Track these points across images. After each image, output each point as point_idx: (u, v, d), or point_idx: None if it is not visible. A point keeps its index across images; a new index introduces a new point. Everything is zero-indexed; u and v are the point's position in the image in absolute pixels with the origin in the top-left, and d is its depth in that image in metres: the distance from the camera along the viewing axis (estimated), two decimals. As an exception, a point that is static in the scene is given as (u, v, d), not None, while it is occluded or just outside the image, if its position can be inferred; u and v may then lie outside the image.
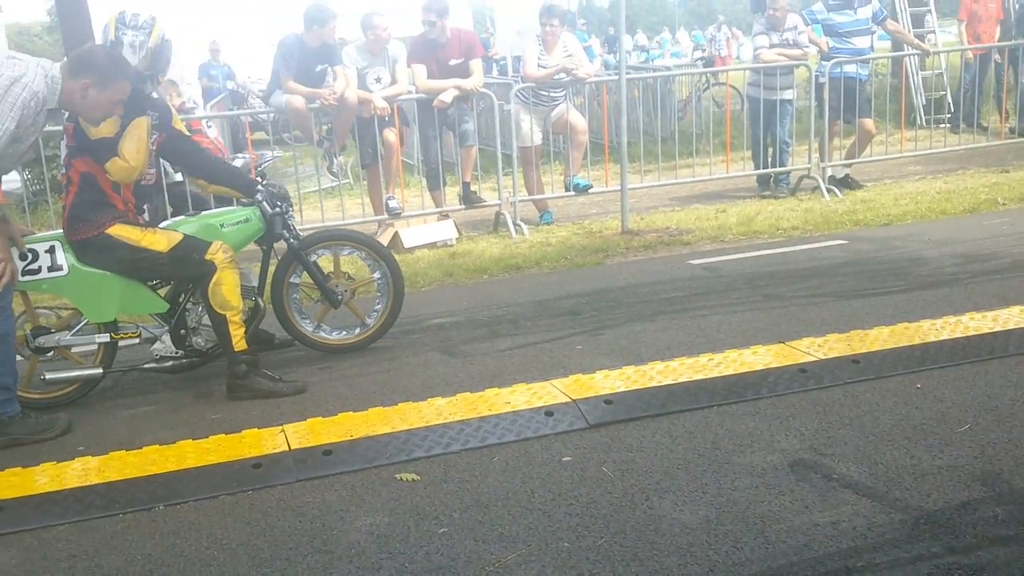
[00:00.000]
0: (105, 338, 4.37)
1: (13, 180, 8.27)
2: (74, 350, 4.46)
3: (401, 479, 3.34)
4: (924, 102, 12.54)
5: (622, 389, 3.98)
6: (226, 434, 3.79)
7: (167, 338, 4.46)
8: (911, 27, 12.34)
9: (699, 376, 4.07)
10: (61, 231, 4.28)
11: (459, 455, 3.51)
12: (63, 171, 4.34)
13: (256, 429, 3.82)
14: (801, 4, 11.70)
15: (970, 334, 4.34)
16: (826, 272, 5.79)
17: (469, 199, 8.07)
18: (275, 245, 4.69)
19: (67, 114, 4.24)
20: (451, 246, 7.36)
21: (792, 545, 2.72)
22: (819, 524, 2.83)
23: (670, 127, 9.77)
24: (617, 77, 7.98)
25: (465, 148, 8.03)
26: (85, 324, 4.38)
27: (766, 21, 8.83)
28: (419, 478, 3.34)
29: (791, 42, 8.72)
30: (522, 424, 3.71)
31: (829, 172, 8.80)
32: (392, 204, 7.72)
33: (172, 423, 4.03)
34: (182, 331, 4.48)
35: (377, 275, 4.85)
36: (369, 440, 3.62)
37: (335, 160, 8.24)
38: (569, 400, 3.87)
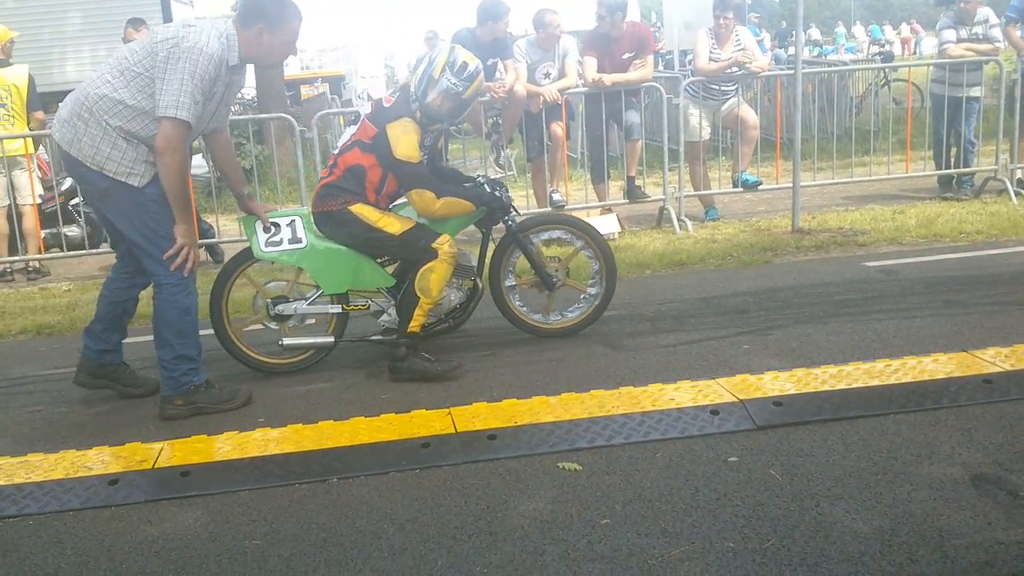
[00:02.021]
0: (337, 309, 4.66)
1: (199, 165, 8.81)
2: (306, 321, 4.76)
3: (563, 468, 3.37)
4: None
5: (792, 391, 3.88)
6: (396, 413, 3.93)
7: (394, 311, 4.68)
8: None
9: (875, 382, 3.91)
10: (300, 208, 4.50)
11: (622, 448, 3.51)
12: (334, 152, 4.66)
13: (424, 410, 3.94)
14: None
15: None
16: (1013, 279, 5.44)
17: (633, 193, 8.03)
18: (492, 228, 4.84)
19: (364, 111, 4.60)
20: (614, 240, 7.34)
21: (973, 562, 2.59)
22: (1003, 543, 2.68)
23: (845, 124, 9.41)
24: (791, 71, 7.75)
25: (631, 142, 7.98)
26: (320, 295, 4.65)
27: (955, 14, 8.36)
28: (581, 468, 3.36)
29: (981, 36, 8.24)
30: (686, 421, 3.67)
31: (1019, 175, 8.26)
32: (556, 197, 7.77)
33: (345, 400, 4.22)
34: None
35: (589, 254, 4.93)
36: (533, 427, 3.68)
37: (502, 152, 8.36)
38: (736, 400, 3.80)
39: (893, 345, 4.39)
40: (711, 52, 7.94)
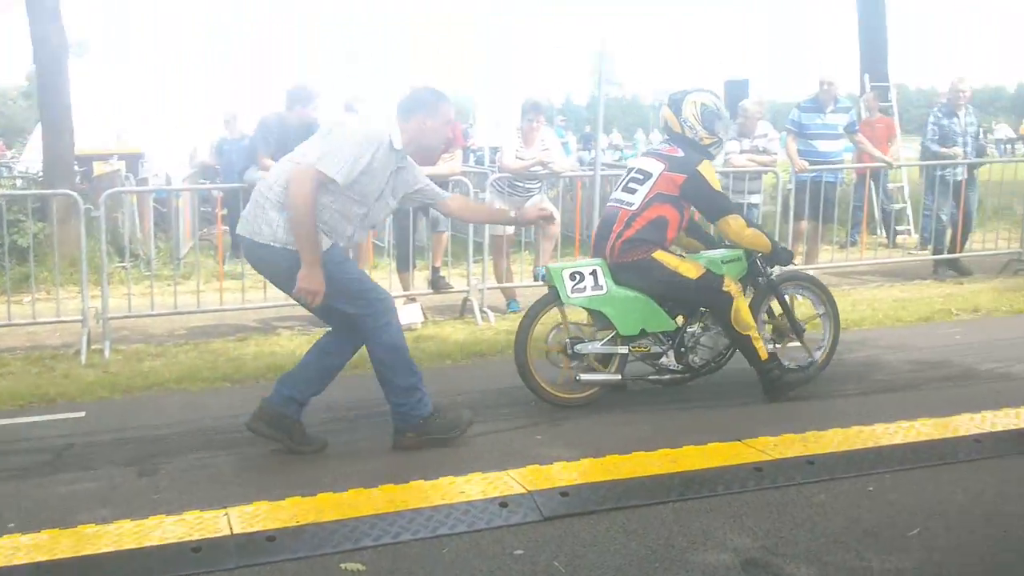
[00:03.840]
0: (624, 349, 5.14)
1: None
2: (589, 358, 5.13)
3: (346, 569, 3.27)
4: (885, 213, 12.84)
5: (579, 481, 3.96)
6: (167, 514, 3.70)
7: (671, 354, 5.22)
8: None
9: (656, 471, 4.06)
10: (596, 259, 5.17)
11: (408, 545, 3.44)
12: (631, 206, 5.13)
13: (199, 511, 3.73)
14: (770, 112, 12.05)
15: (922, 439, 4.38)
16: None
17: (438, 284, 8.10)
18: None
19: (668, 164, 5.14)
20: (415, 329, 7.35)
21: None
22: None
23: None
24: (592, 172, 8.14)
25: (437, 233, 8.08)
26: (613, 336, 5.11)
27: (738, 127, 9.08)
28: (365, 568, 3.27)
29: (760, 148, 8.97)
30: (475, 515, 3.66)
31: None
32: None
33: (112, 502, 3.94)
34: (682, 348, 5.22)
35: (822, 310, 5.64)
36: (315, 527, 3.54)
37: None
38: (524, 491, 3.84)
39: (675, 435, 4.57)
40: (518, 151, 8.23)
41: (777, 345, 5.48)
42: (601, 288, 5.06)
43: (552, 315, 5.26)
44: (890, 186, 12.63)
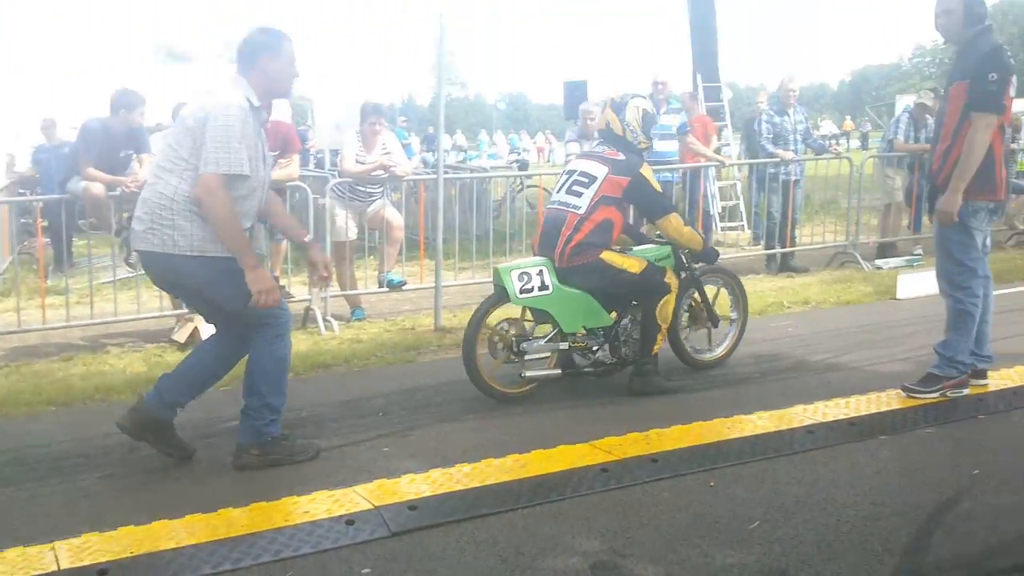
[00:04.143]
0: (565, 345, 5.40)
1: None
2: (530, 356, 5.34)
3: (184, 599, 3.10)
4: (720, 210, 13.39)
5: (427, 493, 3.90)
6: (-14, 554, 3.41)
7: (607, 347, 5.50)
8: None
9: (506, 478, 4.05)
10: (540, 258, 5.36)
11: (249, 571, 3.30)
12: (578, 209, 5.33)
13: (23, 547, 3.45)
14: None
15: (759, 432, 4.56)
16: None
17: (279, 294, 7.86)
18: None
19: (611, 167, 5.36)
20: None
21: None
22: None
23: (485, 225, 9.96)
24: (435, 175, 8.08)
25: (275, 243, 7.84)
26: (556, 333, 5.37)
27: (579, 129, 9.24)
28: (204, 597, 3.11)
29: (601, 150, 9.15)
30: (320, 534, 3.54)
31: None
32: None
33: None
34: (616, 342, 5.51)
35: (734, 315, 6.13)
36: (150, 556, 3.35)
37: (134, 251, 7.84)
38: (372, 507, 3.75)
39: (525, 440, 4.58)
40: (358, 154, 8.08)
41: (688, 328, 5.95)
42: (547, 288, 5.27)
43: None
44: (721, 184, 13.17)
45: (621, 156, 5.43)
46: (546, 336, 5.41)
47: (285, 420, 4.99)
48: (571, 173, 5.55)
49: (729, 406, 5.00)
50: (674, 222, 5.51)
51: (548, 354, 5.46)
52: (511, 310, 5.45)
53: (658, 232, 5.75)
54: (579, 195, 5.38)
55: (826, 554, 3.29)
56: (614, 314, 5.54)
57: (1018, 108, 8.54)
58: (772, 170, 9.88)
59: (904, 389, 5.06)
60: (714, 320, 5.98)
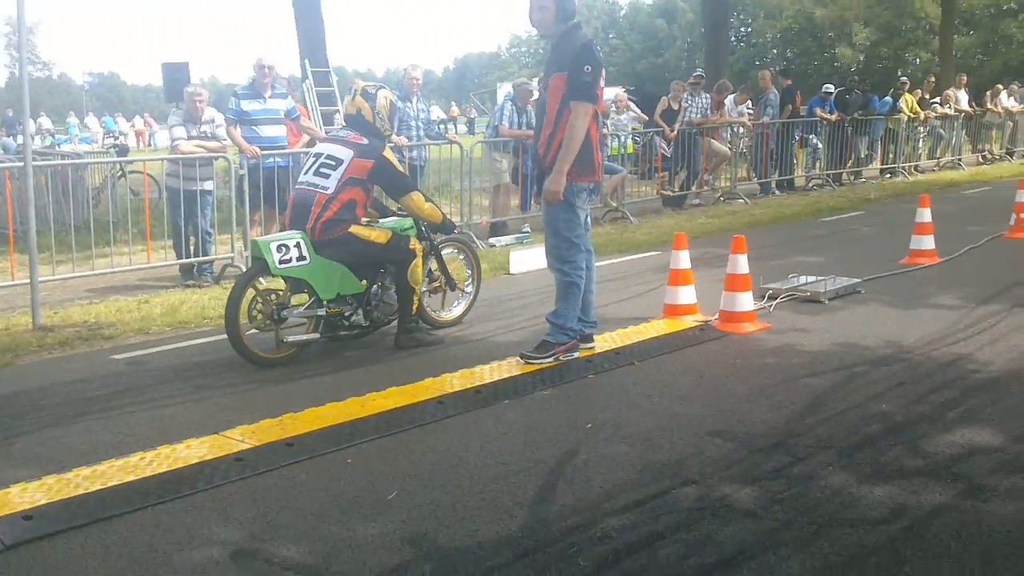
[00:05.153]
0: (323, 312, 5.77)
1: None
2: (290, 321, 5.73)
3: None
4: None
5: (43, 502, 3.59)
6: None
7: (361, 312, 5.93)
8: (322, 125, 13.31)
9: (131, 477, 3.85)
10: (296, 231, 5.73)
11: None
12: (326, 190, 5.74)
13: None
14: (214, 95, 11.85)
15: (391, 408, 4.74)
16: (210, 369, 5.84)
17: None
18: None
19: (356, 151, 5.84)
20: None
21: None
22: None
23: (84, 215, 9.18)
24: (22, 163, 7.29)
25: None
26: (314, 300, 5.74)
27: (184, 113, 8.80)
28: None
29: (209, 135, 8.78)
30: (-88, 560, 3.12)
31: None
32: None
33: None
34: (368, 307, 5.98)
35: (468, 273, 6.81)
36: None
37: None
38: (-23, 523, 3.37)
39: (148, 437, 4.37)
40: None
41: (428, 291, 6.44)
42: (305, 259, 5.63)
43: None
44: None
45: (365, 140, 5.86)
46: (304, 304, 5.74)
47: None
48: (318, 156, 5.93)
49: (361, 386, 5.12)
50: (416, 199, 6.03)
51: (306, 320, 5.82)
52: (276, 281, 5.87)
53: (399, 207, 6.26)
54: (327, 176, 5.78)
55: (461, 514, 3.52)
56: (365, 282, 5.98)
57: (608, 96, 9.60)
58: (399, 156, 10.14)
59: (522, 356, 5.50)
60: (451, 284, 6.58)
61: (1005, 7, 45.97)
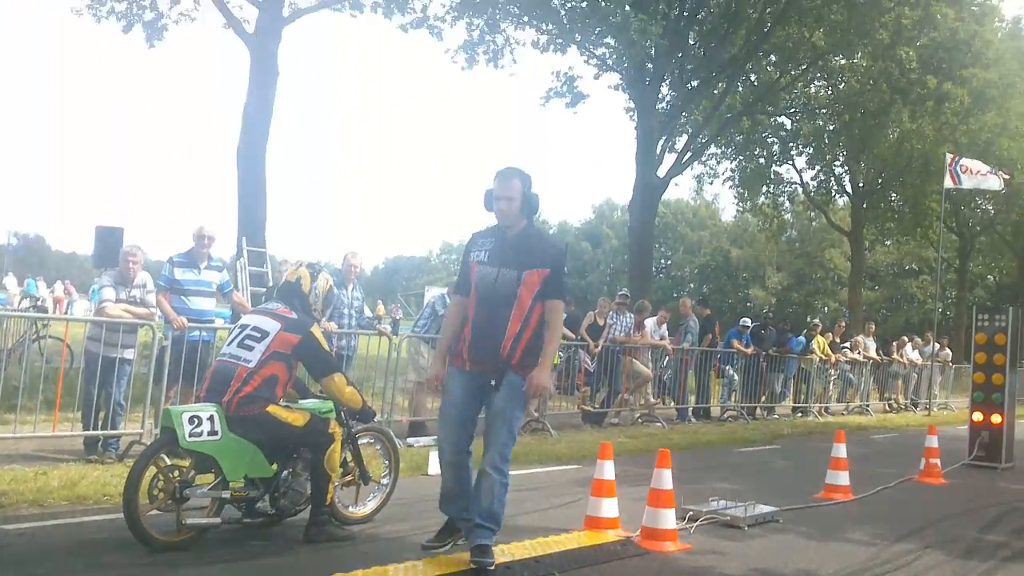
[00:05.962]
0: (227, 494, 5.41)
1: None
2: (192, 501, 5.34)
3: None
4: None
5: None
6: None
7: (268, 498, 5.63)
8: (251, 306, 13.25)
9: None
10: (211, 404, 5.46)
11: None
12: (248, 363, 5.57)
13: None
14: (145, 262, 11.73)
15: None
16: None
17: None
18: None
19: (284, 324, 5.74)
20: None
21: None
22: None
23: (-9, 376, 8.78)
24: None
25: None
26: (220, 481, 5.38)
27: (116, 274, 8.62)
28: None
29: (139, 300, 8.58)
30: None
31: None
32: None
33: None
34: (275, 493, 5.67)
35: (385, 472, 6.55)
36: None
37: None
38: None
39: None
40: None
41: (339, 484, 6.04)
42: (216, 434, 5.36)
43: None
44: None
45: (294, 315, 5.80)
46: (209, 484, 5.41)
47: None
48: (243, 327, 5.77)
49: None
50: (338, 381, 5.83)
51: (208, 503, 5.45)
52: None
53: (319, 389, 6.03)
54: (250, 349, 5.61)
55: None
56: (275, 466, 5.68)
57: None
58: (328, 341, 10.04)
59: (474, 562, 5.24)
60: (365, 478, 6.26)
61: (907, 267, 49.48)
